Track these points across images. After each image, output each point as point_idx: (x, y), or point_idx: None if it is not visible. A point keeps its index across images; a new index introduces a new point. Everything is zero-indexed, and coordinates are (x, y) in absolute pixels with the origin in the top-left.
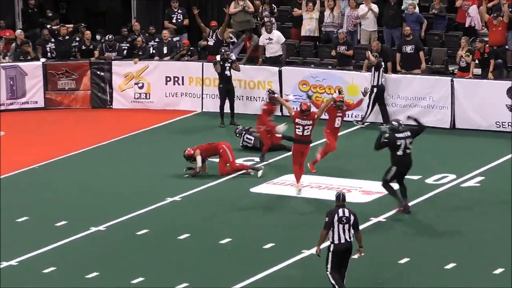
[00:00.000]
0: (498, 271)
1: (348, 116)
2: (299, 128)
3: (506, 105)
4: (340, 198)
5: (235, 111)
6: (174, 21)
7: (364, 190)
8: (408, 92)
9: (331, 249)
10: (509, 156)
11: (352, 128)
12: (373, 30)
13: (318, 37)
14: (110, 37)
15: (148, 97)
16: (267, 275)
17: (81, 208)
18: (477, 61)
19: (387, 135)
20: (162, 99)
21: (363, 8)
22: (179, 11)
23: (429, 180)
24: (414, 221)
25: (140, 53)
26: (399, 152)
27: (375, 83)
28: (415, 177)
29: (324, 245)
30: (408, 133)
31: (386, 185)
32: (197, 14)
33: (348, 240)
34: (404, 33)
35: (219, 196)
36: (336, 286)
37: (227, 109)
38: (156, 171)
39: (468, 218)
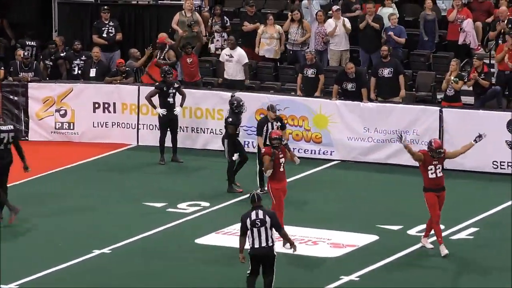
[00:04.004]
0: None
1: None
2: None
3: (506, 141)
4: (255, 199)
5: (178, 145)
6: (104, 35)
7: (333, 243)
8: (387, 125)
9: (249, 253)
10: (509, 203)
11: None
12: (344, 50)
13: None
14: (25, 53)
15: (72, 127)
16: None
17: None
18: (471, 88)
19: None
20: (89, 129)
21: (331, 23)
22: (111, 23)
23: (412, 232)
24: (390, 281)
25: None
26: None
27: None
28: (395, 227)
29: None
30: None
31: None
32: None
33: (266, 245)
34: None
35: (157, 247)
36: None
37: (168, 142)
38: (80, 217)
39: (458, 281)
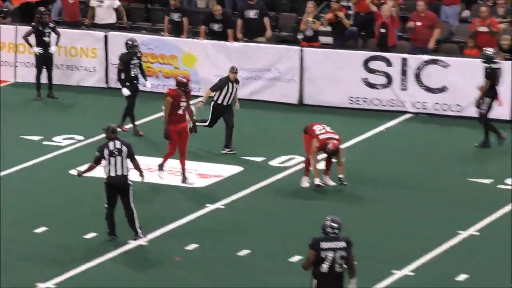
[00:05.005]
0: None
1: None
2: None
3: (361, 78)
4: (110, 130)
5: (53, 82)
6: None
7: (200, 173)
8: (252, 63)
9: (105, 181)
10: (364, 136)
11: None
12: None
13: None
14: None
15: None
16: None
17: None
18: (329, 28)
19: None
20: None
21: None
22: None
23: (274, 163)
24: (253, 208)
25: None
26: None
27: None
28: (258, 159)
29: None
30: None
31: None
32: None
33: (122, 174)
34: None
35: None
36: (106, 222)
37: (44, 79)
38: None
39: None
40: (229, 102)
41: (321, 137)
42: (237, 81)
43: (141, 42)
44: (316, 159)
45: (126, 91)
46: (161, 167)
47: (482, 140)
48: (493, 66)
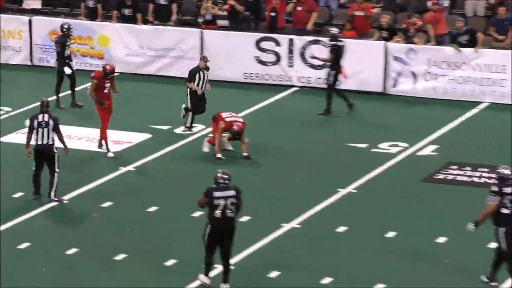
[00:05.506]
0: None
1: None
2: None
3: (254, 56)
4: (43, 104)
5: None
6: None
7: (114, 140)
8: (158, 44)
9: (34, 148)
10: (257, 107)
11: None
12: None
13: None
14: None
15: None
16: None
17: None
18: (226, 13)
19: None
20: None
21: None
22: None
23: (178, 130)
24: (160, 171)
25: None
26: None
27: None
28: (165, 127)
29: None
30: None
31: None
32: None
33: (47, 143)
34: None
35: None
36: (33, 183)
37: None
38: None
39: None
40: (202, 88)
41: (227, 119)
42: (207, 68)
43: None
44: (221, 137)
45: (68, 70)
46: (105, 144)
47: (324, 109)
48: (338, 43)
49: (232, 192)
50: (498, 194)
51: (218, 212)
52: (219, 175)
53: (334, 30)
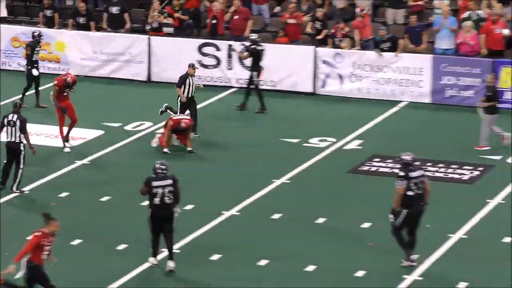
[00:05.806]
0: None
1: None
2: None
3: (197, 60)
4: (15, 105)
5: None
6: None
7: (70, 136)
8: (110, 49)
9: (5, 144)
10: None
11: None
12: None
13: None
14: None
15: None
16: None
17: None
18: (171, 21)
19: None
20: None
21: None
22: None
23: (129, 127)
24: (112, 164)
25: None
26: None
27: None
28: (116, 124)
29: None
30: None
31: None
32: None
33: (14, 141)
34: None
35: None
36: (1, 174)
37: None
38: None
39: None
40: (192, 94)
41: (175, 117)
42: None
43: (22, 32)
44: (170, 134)
45: (36, 72)
46: (62, 140)
47: (259, 107)
48: (257, 47)
49: (169, 181)
50: (405, 178)
51: (157, 200)
52: (157, 165)
53: (254, 36)
